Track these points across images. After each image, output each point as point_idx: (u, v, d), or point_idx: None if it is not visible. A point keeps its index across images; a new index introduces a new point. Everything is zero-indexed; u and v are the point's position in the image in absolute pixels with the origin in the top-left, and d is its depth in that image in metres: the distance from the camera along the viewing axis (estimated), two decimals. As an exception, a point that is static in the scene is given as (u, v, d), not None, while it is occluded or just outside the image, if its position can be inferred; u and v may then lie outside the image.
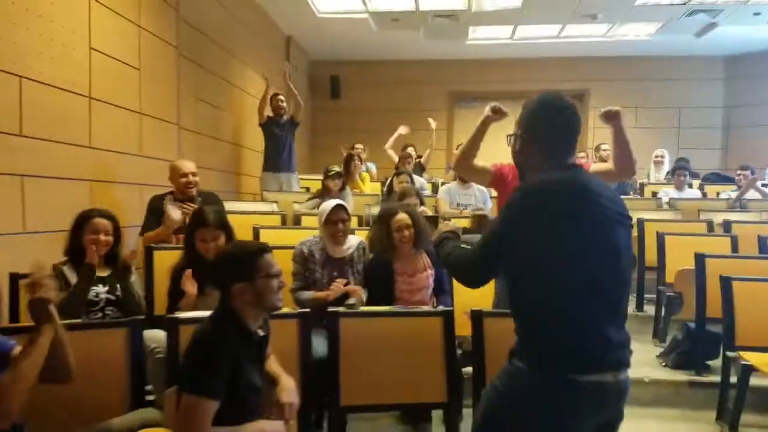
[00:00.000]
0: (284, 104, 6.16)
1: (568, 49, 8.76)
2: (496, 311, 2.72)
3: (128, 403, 2.21)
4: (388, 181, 5.76)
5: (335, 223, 3.10)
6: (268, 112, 6.20)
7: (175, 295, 2.70)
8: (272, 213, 5.01)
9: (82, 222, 2.73)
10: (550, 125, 1.67)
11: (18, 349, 1.72)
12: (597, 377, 1.53)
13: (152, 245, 3.23)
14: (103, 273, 2.76)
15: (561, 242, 1.53)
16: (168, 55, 4.59)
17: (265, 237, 4.08)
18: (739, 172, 6.41)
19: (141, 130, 4.16)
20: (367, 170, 7.29)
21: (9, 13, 2.86)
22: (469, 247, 1.73)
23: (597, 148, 6.95)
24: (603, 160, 7.20)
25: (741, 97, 9.10)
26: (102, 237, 2.71)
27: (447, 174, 7.73)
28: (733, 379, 3.30)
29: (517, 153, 1.77)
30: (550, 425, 1.53)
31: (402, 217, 3.08)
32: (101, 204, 3.57)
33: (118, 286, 2.75)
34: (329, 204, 3.16)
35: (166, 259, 3.06)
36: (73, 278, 2.66)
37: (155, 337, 2.56)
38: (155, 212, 3.51)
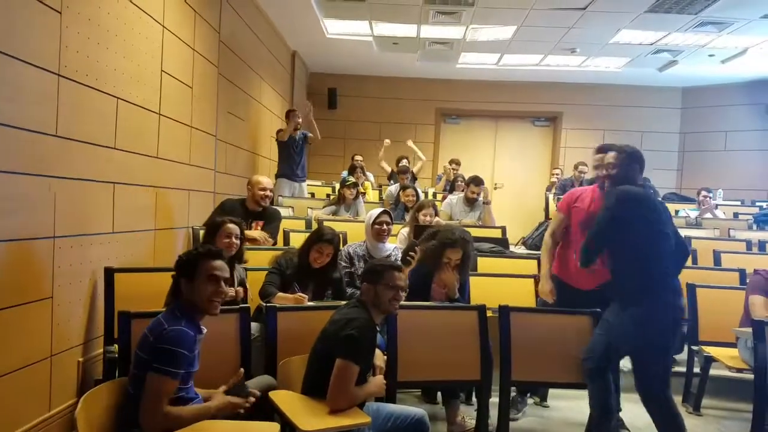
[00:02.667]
0: (300, 120, 6.71)
1: (546, 75, 9.50)
2: (520, 307, 3.37)
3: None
4: (395, 193, 6.35)
5: (381, 224, 3.80)
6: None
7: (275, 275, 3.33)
8: (293, 218, 5.59)
9: (216, 229, 3.25)
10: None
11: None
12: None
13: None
14: None
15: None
16: (211, 74, 5.08)
17: (294, 241, 4.63)
18: (704, 194, 7.15)
19: (190, 141, 4.64)
20: (367, 180, 7.86)
21: (106, 39, 3.27)
22: None
23: (575, 166, 7.67)
24: (578, 179, 8.00)
25: (695, 124, 9.96)
26: (233, 239, 3.25)
27: (437, 185, 8.38)
28: (696, 369, 3.94)
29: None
30: None
31: (457, 254, 3.42)
32: (161, 208, 4.08)
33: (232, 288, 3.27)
34: (376, 210, 3.87)
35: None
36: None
37: (254, 327, 3.09)
38: (227, 212, 4.06)
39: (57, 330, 2.89)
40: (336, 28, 7.43)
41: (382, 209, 3.90)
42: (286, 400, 2.28)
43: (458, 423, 3.36)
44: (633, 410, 3.40)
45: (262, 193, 4.21)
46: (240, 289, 3.18)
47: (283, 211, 5.64)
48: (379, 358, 2.65)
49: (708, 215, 6.89)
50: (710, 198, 7.06)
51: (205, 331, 2.30)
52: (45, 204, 2.76)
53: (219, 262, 2.30)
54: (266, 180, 4.31)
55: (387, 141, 8.07)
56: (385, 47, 8.08)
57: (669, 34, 7.07)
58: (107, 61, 3.28)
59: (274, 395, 2.31)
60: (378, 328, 2.54)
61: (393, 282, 2.47)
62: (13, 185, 2.53)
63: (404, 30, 7.30)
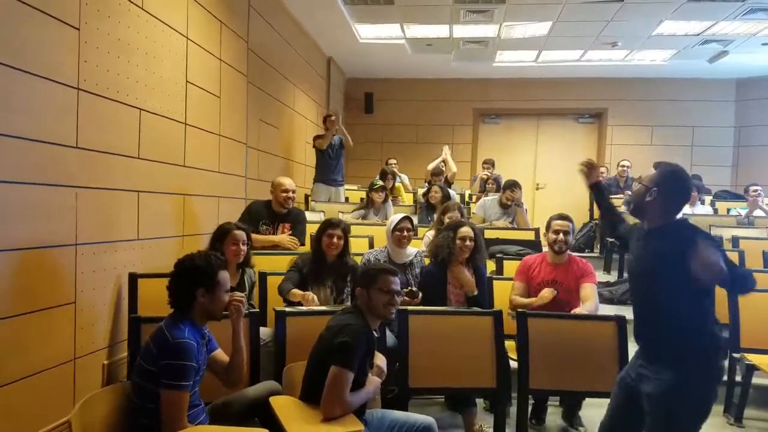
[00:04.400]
0: (336, 124, 6.75)
1: (588, 71, 9.21)
2: (538, 313, 3.28)
3: (249, 379, 2.76)
4: (423, 192, 6.32)
5: (402, 230, 3.73)
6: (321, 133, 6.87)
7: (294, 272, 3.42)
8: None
9: (224, 235, 3.33)
10: (679, 193, 2.28)
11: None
12: None
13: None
14: (233, 282, 3.33)
15: None
16: (240, 83, 5.19)
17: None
18: (753, 189, 6.70)
19: (219, 150, 4.75)
20: (401, 182, 7.83)
21: (127, 53, 3.38)
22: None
23: (618, 164, 7.43)
24: (622, 177, 7.72)
25: (751, 118, 9.42)
26: (241, 246, 3.32)
27: (473, 186, 8.26)
28: (738, 378, 3.75)
29: (645, 202, 2.28)
30: None
31: (467, 229, 3.64)
32: (188, 214, 4.18)
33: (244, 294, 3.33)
34: (397, 216, 3.81)
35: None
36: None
37: (266, 332, 3.13)
38: (253, 215, 4.23)
39: (81, 333, 3.01)
40: (368, 32, 7.45)
41: (403, 215, 3.84)
42: (285, 405, 2.29)
43: (476, 431, 3.29)
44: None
45: (284, 195, 4.28)
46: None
47: (314, 216, 5.70)
48: (379, 359, 2.62)
49: (759, 213, 6.48)
50: (760, 193, 6.63)
51: (207, 331, 2.39)
52: (66, 213, 2.88)
53: (226, 273, 2.42)
54: (288, 181, 4.37)
55: (446, 148, 8.02)
56: (418, 49, 8.04)
57: (716, 23, 6.72)
58: (128, 74, 3.40)
59: (273, 400, 2.32)
60: (377, 333, 2.50)
61: (387, 286, 2.43)
62: (34, 195, 2.65)
63: (436, 31, 7.24)
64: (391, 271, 2.49)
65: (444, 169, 7.50)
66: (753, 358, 3.58)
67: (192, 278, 2.31)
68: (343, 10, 6.56)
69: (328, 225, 3.55)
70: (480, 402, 3.65)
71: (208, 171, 4.55)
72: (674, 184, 2.26)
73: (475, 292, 3.54)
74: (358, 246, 4.40)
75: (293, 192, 4.33)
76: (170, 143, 3.96)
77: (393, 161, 8.15)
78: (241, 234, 3.37)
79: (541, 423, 3.60)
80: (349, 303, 3.41)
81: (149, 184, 3.67)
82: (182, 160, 4.10)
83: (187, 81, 4.14)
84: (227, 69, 4.86)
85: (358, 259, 3.78)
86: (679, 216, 2.34)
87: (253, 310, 2.97)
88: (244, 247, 3.38)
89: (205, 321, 2.36)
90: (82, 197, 2.98)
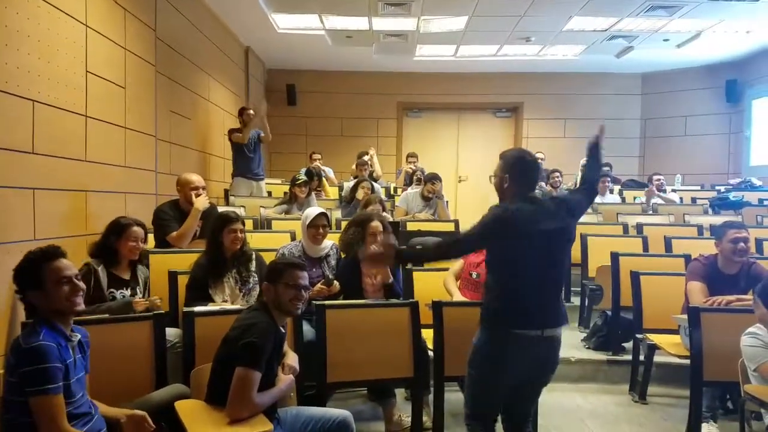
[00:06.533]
0: (253, 117, 6.56)
1: (505, 66, 9.48)
2: (452, 302, 3.33)
3: (154, 384, 2.64)
4: (351, 187, 6.26)
5: (317, 227, 3.64)
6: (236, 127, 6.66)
7: (197, 290, 3.19)
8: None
9: (120, 230, 3.13)
10: (524, 173, 2.48)
11: None
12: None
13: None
14: (125, 276, 3.18)
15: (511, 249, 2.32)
16: (147, 73, 4.94)
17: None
18: (656, 178, 7.14)
19: (125, 143, 4.50)
20: (325, 176, 7.75)
21: (16, 41, 3.12)
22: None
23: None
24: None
25: (656, 110, 10.00)
26: (139, 243, 3.14)
27: (397, 180, 8.31)
28: (642, 357, 3.93)
29: (505, 189, 2.50)
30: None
31: (376, 224, 3.61)
32: (95, 211, 3.95)
33: (137, 288, 3.17)
34: (313, 211, 3.71)
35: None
36: (103, 278, 3.07)
37: (174, 333, 3.00)
38: (163, 221, 3.97)
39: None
40: (286, 22, 7.31)
41: (319, 210, 3.74)
42: (190, 409, 2.20)
43: (395, 422, 3.31)
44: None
45: (194, 192, 4.03)
46: (157, 299, 3.08)
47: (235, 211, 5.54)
48: (290, 357, 2.56)
49: (657, 200, 6.89)
50: (662, 182, 7.06)
51: (77, 334, 2.18)
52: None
53: (64, 261, 2.15)
54: (196, 177, 4.10)
55: (372, 149, 8.01)
56: (339, 41, 7.98)
57: (621, 19, 7.06)
58: (18, 63, 3.15)
59: (179, 405, 2.23)
60: (283, 329, 2.44)
61: (293, 281, 2.37)
62: None
63: (356, 23, 7.21)
64: (298, 266, 2.43)
65: (369, 162, 7.50)
66: (654, 338, 3.76)
67: (19, 283, 2.13)
68: (257, -2, 6.40)
69: (226, 221, 3.37)
70: (401, 392, 3.67)
71: (113, 165, 4.32)
72: (519, 167, 2.49)
73: (391, 280, 3.56)
74: (280, 241, 4.30)
75: (203, 188, 4.09)
76: (69, 137, 3.72)
77: (317, 156, 8.06)
78: (139, 231, 3.20)
79: None
80: (255, 291, 3.33)
81: (46, 180, 3.44)
82: (83, 154, 3.87)
83: (87, 71, 3.90)
84: (133, 58, 4.62)
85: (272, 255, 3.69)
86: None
87: (158, 311, 2.84)
88: (142, 245, 3.22)
89: (61, 320, 2.12)
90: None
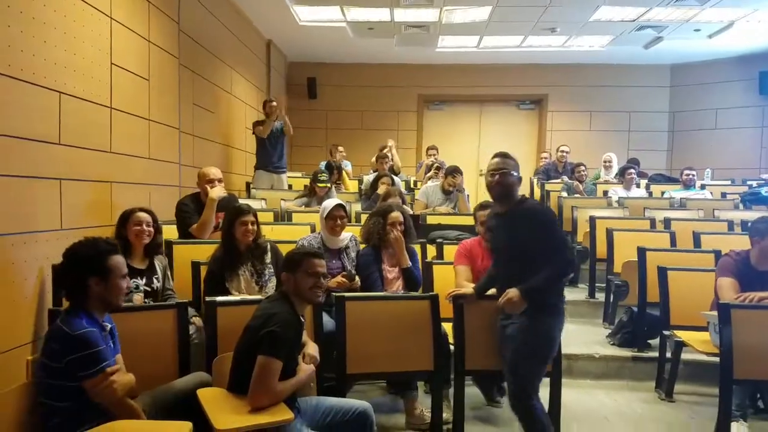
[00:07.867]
0: (276, 109, 6.58)
1: (529, 57, 9.32)
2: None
3: (178, 372, 2.68)
4: (371, 182, 6.25)
5: (335, 219, 3.64)
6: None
7: (213, 283, 3.18)
8: (260, 210, 5.48)
9: (126, 218, 3.16)
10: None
11: None
12: None
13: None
14: (141, 266, 3.20)
15: None
16: (171, 66, 4.97)
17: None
18: (686, 173, 7.04)
19: (149, 135, 4.54)
20: (344, 169, 7.74)
21: (43, 33, 3.15)
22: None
23: (557, 149, 7.65)
24: (561, 162, 7.90)
25: (684, 103, 9.76)
26: (144, 227, 3.16)
27: (417, 173, 8.27)
28: (669, 355, 3.86)
29: (512, 185, 2.90)
30: None
31: (396, 215, 3.66)
32: (120, 202, 3.99)
33: (154, 278, 3.20)
34: (331, 203, 3.71)
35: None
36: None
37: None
38: (185, 215, 4.02)
39: (1, 329, 2.81)
40: (308, 14, 7.30)
41: (337, 202, 3.75)
42: (212, 397, 2.21)
43: (417, 416, 3.30)
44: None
45: (209, 185, 4.08)
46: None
47: (256, 204, 5.57)
48: (311, 347, 2.56)
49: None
50: (693, 177, 6.93)
51: (107, 324, 2.28)
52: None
53: (122, 258, 2.29)
54: (214, 170, 4.17)
55: (391, 141, 7.93)
56: (360, 33, 7.95)
57: (650, 9, 6.90)
58: (45, 55, 3.18)
59: (201, 393, 2.25)
60: (303, 319, 2.44)
61: (312, 269, 2.37)
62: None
63: (377, 14, 7.16)
64: (316, 254, 2.43)
65: (390, 156, 7.46)
66: (682, 335, 3.69)
67: (82, 267, 2.20)
68: (280, -10, 6.40)
69: (239, 213, 3.37)
70: (422, 385, 3.66)
71: (138, 157, 4.35)
72: (517, 166, 2.94)
73: (409, 264, 3.64)
74: (300, 234, 4.30)
75: (219, 180, 4.14)
76: (94, 128, 3.75)
77: (341, 148, 8.06)
78: (143, 216, 3.22)
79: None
80: (272, 283, 3.34)
81: (72, 171, 3.48)
82: (108, 145, 3.91)
83: (112, 63, 3.93)
84: (156, 51, 4.65)
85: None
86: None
87: (181, 301, 2.86)
88: (149, 228, 3.23)
89: (102, 312, 2.25)
90: (-4, 185, 2.78)
